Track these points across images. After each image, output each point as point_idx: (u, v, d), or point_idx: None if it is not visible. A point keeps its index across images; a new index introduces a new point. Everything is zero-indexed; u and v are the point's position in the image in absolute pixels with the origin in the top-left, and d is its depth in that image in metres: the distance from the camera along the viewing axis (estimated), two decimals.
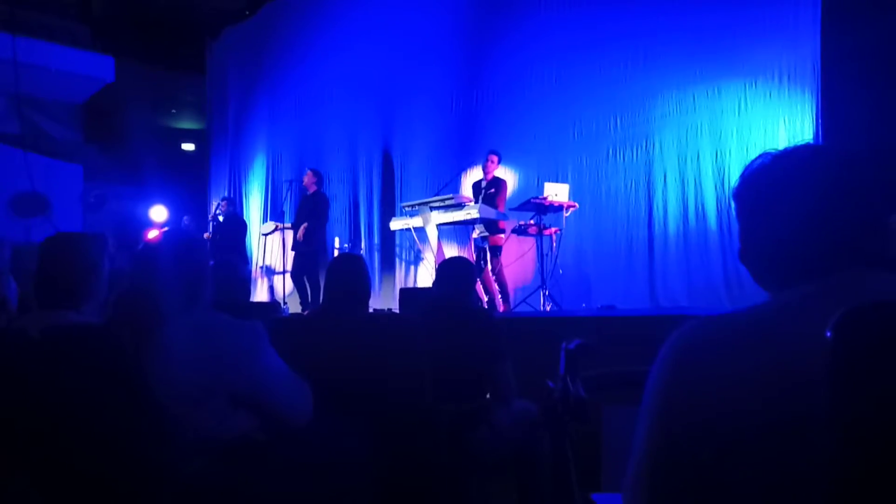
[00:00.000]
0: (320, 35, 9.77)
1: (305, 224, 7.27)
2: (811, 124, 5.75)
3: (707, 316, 1.03)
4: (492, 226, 6.33)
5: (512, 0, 7.84)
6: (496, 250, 6.40)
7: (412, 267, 8.44)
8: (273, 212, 10.22)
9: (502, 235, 6.38)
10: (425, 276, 7.92)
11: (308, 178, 7.56)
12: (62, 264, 1.91)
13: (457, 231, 7.57)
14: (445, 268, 3.02)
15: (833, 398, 0.82)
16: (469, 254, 6.77)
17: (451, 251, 7.46)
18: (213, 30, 11.55)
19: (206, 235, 8.42)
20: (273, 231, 8.42)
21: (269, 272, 9.96)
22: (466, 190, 7.36)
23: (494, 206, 6.33)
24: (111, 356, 1.56)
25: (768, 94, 6.01)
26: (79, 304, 1.91)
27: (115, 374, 1.54)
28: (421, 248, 7.48)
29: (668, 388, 0.99)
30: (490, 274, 6.39)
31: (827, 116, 5.65)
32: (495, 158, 6.57)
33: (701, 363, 0.96)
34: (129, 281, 1.91)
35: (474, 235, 6.52)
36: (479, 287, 6.36)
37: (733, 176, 6.09)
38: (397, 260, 8.70)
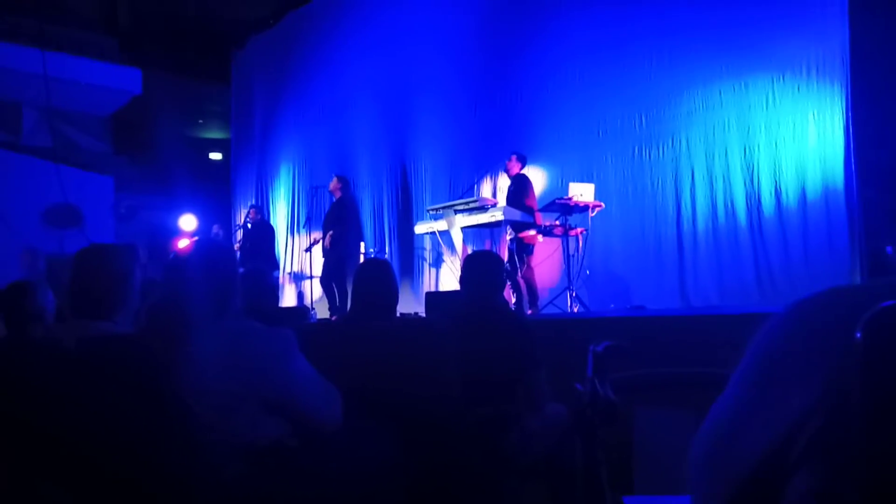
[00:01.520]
0: (343, 42, 9.84)
1: (331, 231, 7.33)
2: (841, 118, 5.65)
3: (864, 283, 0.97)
4: (519, 225, 6.29)
5: (534, 0, 7.82)
6: (528, 248, 6.33)
7: (435, 270, 8.45)
8: (299, 219, 10.32)
9: (531, 232, 6.31)
10: (449, 279, 7.92)
11: (334, 184, 7.62)
12: (95, 275, 1.94)
13: (482, 233, 7.57)
14: (472, 263, 2.93)
15: (862, 398, 0.81)
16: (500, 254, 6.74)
17: None
18: (238, 40, 11.69)
19: (236, 246, 8.52)
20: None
21: (297, 278, 10.05)
22: (485, 193, 7.35)
23: (520, 204, 6.30)
24: (144, 366, 1.59)
25: (797, 88, 5.91)
26: (112, 314, 1.94)
27: (148, 384, 1.56)
28: (446, 251, 7.48)
29: (798, 353, 0.92)
30: (519, 274, 6.34)
31: (857, 110, 5.54)
32: (514, 158, 6.56)
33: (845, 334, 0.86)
34: (160, 290, 1.94)
35: (507, 237, 6.50)
36: (508, 288, 6.34)
37: (762, 172, 6.05)
38: (423, 263, 8.72)
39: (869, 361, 0.80)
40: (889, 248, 5.23)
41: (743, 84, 6.20)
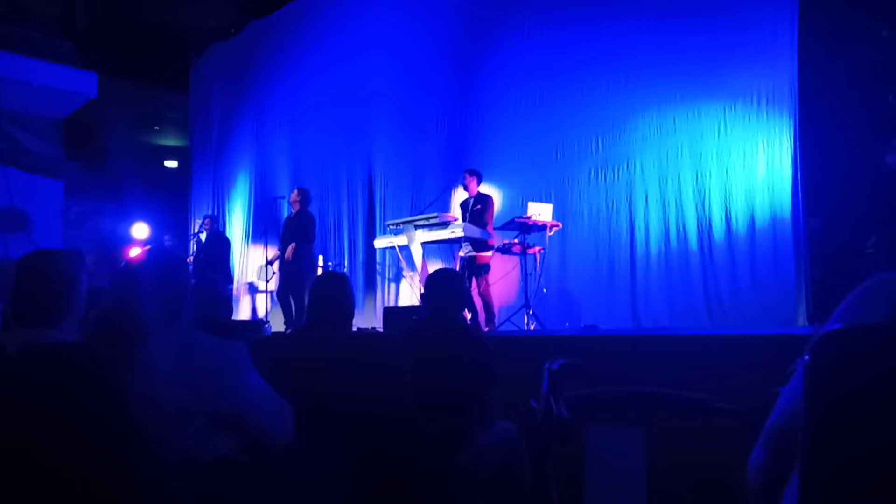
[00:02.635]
0: (306, 54, 9.81)
1: (293, 244, 7.25)
2: (789, 147, 5.84)
3: None
4: (479, 244, 6.32)
5: (496, 23, 7.92)
6: (484, 268, 6.36)
7: (394, 285, 8.43)
8: (255, 230, 10.18)
9: (489, 253, 6.36)
10: (408, 294, 7.91)
11: (294, 197, 7.56)
12: (39, 282, 1.88)
13: (441, 249, 7.58)
14: (435, 281, 2.95)
15: (809, 412, 0.84)
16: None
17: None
18: (198, 47, 11.55)
19: (189, 259, 8.35)
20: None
21: (251, 290, 9.90)
22: (455, 208, 7.39)
23: (483, 223, 6.33)
24: (89, 375, 1.55)
25: (747, 117, 6.10)
26: (56, 321, 1.88)
27: (94, 393, 1.52)
28: (405, 266, 7.48)
29: None
30: (476, 292, 6.36)
31: (804, 140, 5.74)
32: (467, 176, 6.60)
33: None
34: (109, 299, 1.90)
35: (461, 254, 6.52)
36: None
37: (713, 198, 6.21)
38: (380, 278, 8.69)
39: (814, 382, 0.83)
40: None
41: (696, 111, 6.38)
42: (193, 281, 2.33)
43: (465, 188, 6.64)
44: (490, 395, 2.62)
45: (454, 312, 2.89)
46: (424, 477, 2.23)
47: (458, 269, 6.54)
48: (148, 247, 8.18)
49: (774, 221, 5.89)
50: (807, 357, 0.86)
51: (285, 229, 7.60)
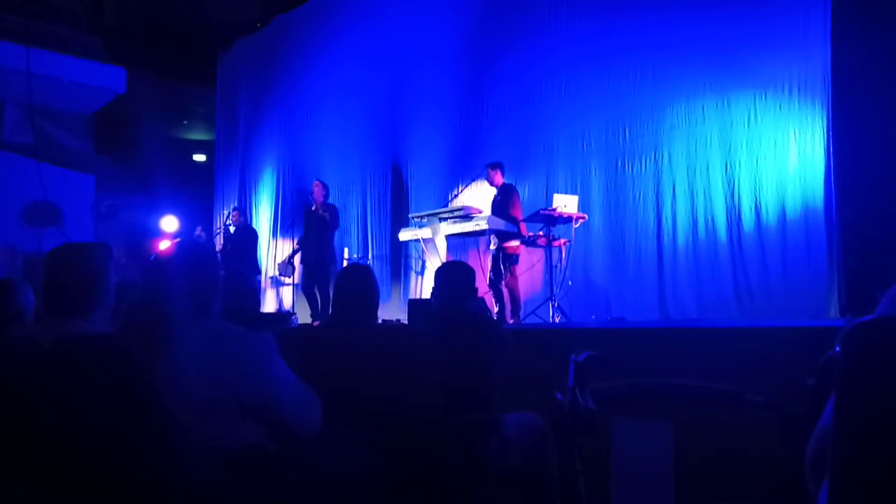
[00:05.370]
0: (330, 47, 9.83)
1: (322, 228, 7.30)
2: (822, 136, 5.73)
3: None
4: (503, 235, 6.29)
5: (521, 12, 7.87)
6: (512, 258, 6.32)
7: (420, 278, 8.44)
8: (283, 223, 10.27)
9: (516, 243, 6.31)
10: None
11: (317, 191, 7.59)
12: (68, 273, 1.92)
13: (466, 242, 7.58)
14: (442, 274, 3.01)
15: (840, 404, 0.83)
16: (482, 264, 6.74)
17: None
18: (225, 41, 11.65)
19: (217, 248, 8.45)
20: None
21: (276, 282, 9.99)
22: (470, 202, 7.36)
23: (506, 214, 6.30)
24: (121, 366, 1.57)
25: (778, 106, 5.99)
26: (87, 313, 1.91)
27: (125, 384, 1.54)
28: (429, 258, 7.48)
29: None
30: (503, 283, 6.33)
31: (838, 128, 5.63)
32: (489, 170, 6.57)
33: None
34: (139, 291, 1.92)
35: (491, 247, 6.50)
36: (490, 298, 6.33)
37: (743, 188, 6.12)
38: (407, 270, 8.71)
39: (844, 374, 0.82)
40: None
41: (725, 101, 6.27)
42: (222, 272, 2.36)
43: (490, 182, 6.61)
44: (502, 379, 2.62)
45: (462, 302, 2.91)
46: (450, 468, 2.24)
47: (490, 264, 6.52)
48: (177, 239, 8.28)
49: (806, 211, 5.78)
50: (837, 348, 0.85)
51: (307, 223, 7.62)
